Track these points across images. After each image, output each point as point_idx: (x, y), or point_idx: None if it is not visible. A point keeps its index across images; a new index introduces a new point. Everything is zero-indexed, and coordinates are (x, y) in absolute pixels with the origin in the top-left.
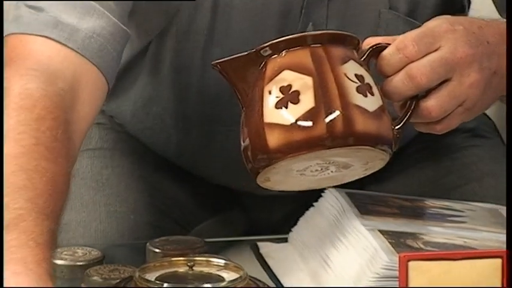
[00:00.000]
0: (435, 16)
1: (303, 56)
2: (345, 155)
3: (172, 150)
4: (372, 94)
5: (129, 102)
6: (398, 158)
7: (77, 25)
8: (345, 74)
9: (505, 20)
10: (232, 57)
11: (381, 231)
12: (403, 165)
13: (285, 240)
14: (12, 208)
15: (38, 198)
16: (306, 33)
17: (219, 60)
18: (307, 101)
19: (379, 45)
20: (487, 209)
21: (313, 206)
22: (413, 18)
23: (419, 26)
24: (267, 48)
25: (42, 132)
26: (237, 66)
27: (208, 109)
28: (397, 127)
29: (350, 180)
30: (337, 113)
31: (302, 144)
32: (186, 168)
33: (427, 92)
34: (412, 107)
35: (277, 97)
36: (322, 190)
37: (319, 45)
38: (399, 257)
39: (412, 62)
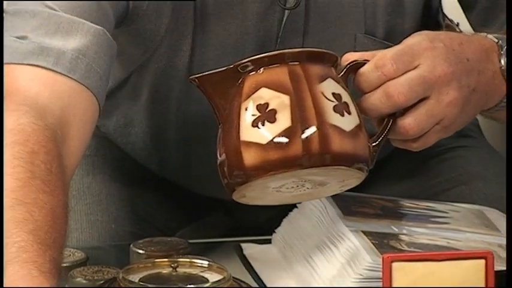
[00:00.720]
0: None
1: (280, 73)
2: (321, 174)
3: (154, 165)
4: (349, 113)
5: (110, 122)
6: (386, 162)
7: (62, 47)
8: (322, 93)
9: (484, 34)
10: (210, 72)
11: (364, 232)
12: (390, 170)
13: (269, 241)
14: (14, 241)
15: (39, 230)
16: (284, 50)
17: (197, 75)
18: (283, 120)
19: (357, 61)
20: (471, 210)
21: (296, 207)
22: (391, 41)
23: None
24: (245, 64)
25: (37, 166)
26: (215, 82)
27: (187, 132)
28: (373, 144)
29: (325, 196)
30: (314, 133)
31: (278, 163)
32: (169, 179)
33: (405, 110)
34: (389, 125)
35: (253, 115)
36: None
37: (297, 63)
38: (383, 258)
39: (390, 80)
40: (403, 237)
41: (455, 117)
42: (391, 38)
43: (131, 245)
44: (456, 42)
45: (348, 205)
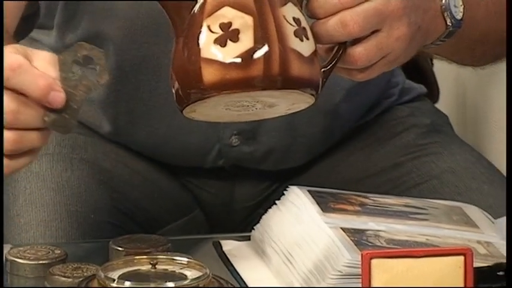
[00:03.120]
0: None
1: None
2: (276, 96)
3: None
4: (307, 38)
5: None
6: (357, 159)
7: None
8: (284, 17)
9: None
10: None
11: (343, 229)
12: (362, 167)
13: (248, 238)
14: None
15: None
16: None
17: None
18: (246, 41)
19: None
20: (450, 206)
21: (275, 204)
22: None
23: None
24: None
25: None
26: None
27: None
28: (323, 70)
29: (270, 117)
30: (275, 55)
31: (237, 83)
32: (123, 139)
33: (355, 40)
34: (340, 53)
35: (216, 33)
36: (285, 188)
37: None
38: (362, 255)
39: (346, 9)
40: (382, 233)
41: (401, 52)
42: None
43: (110, 242)
44: None
45: (327, 202)
